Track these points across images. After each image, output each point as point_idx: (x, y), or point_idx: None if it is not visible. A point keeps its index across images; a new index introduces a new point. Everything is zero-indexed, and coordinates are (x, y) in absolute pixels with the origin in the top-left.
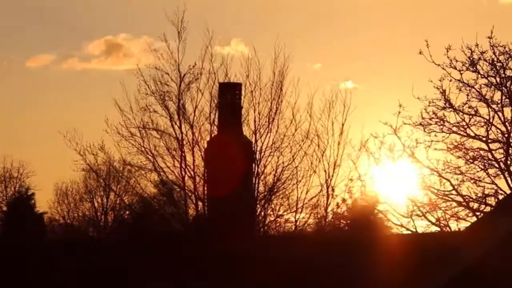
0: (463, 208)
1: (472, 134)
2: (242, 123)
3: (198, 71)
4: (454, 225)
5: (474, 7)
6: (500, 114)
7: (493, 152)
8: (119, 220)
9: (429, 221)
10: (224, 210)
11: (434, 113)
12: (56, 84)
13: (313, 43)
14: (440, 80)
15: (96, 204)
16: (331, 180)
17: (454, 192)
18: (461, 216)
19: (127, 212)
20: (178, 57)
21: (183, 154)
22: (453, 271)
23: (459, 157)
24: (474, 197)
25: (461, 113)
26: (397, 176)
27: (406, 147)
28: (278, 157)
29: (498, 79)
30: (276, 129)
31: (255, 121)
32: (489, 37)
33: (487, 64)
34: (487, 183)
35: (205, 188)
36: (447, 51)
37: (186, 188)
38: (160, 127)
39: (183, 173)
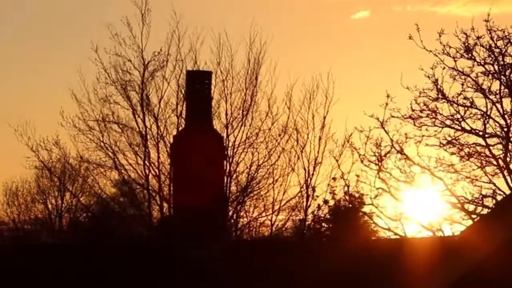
0: (457, 210)
1: (468, 128)
2: (212, 116)
3: (164, 58)
4: (447, 229)
5: None
6: (498, 105)
7: (491, 148)
8: (75, 223)
9: (420, 224)
10: (193, 212)
11: (425, 104)
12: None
13: (292, 28)
14: (432, 68)
15: (49, 206)
16: (311, 179)
17: (447, 192)
18: (455, 219)
19: (84, 215)
20: (142, 43)
21: (147, 150)
22: (447, 279)
23: (453, 153)
24: (470, 198)
25: (455, 105)
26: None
27: (394, 143)
28: (252, 154)
29: (496, 67)
30: (250, 122)
31: (227, 113)
32: (485, 20)
33: (484, 50)
34: (484, 182)
35: (171, 188)
36: (440, 36)
37: (150, 188)
38: (122, 120)
39: (146, 171)
